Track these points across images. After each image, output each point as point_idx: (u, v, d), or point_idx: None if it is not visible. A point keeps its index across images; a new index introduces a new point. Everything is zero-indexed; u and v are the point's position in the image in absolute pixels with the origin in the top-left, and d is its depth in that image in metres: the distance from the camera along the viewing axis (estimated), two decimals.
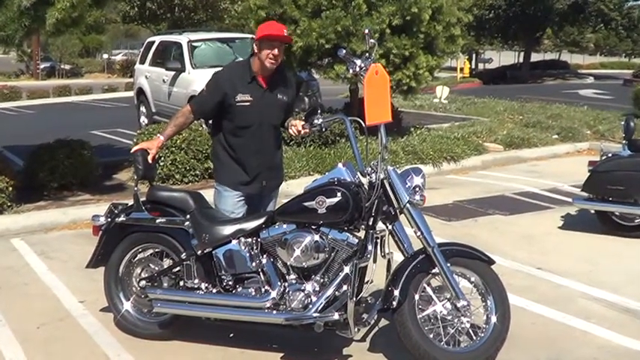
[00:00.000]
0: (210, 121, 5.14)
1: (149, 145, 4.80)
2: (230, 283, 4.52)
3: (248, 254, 4.45)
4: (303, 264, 4.27)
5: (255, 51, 4.74)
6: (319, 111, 4.58)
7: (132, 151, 4.95)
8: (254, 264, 4.44)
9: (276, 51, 4.65)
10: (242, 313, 4.44)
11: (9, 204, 7.91)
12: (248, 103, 4.73)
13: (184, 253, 4.58)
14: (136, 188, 4.87)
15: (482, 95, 21.05)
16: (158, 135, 4.92)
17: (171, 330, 4.76)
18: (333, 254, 4.26)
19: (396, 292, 4.11)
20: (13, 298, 5.65)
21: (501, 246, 6.89)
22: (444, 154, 11.13)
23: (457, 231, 7.42)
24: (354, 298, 4.12)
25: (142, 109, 15.43)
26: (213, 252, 4.53)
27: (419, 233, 4.24)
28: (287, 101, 4.94)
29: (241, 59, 5.56)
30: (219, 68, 5.08)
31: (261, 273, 4.44)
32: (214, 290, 4.53)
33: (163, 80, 14.03)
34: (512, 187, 9.77)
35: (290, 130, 4.83)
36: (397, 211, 4.30)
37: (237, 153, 4.85)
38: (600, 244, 7.11)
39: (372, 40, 4.41)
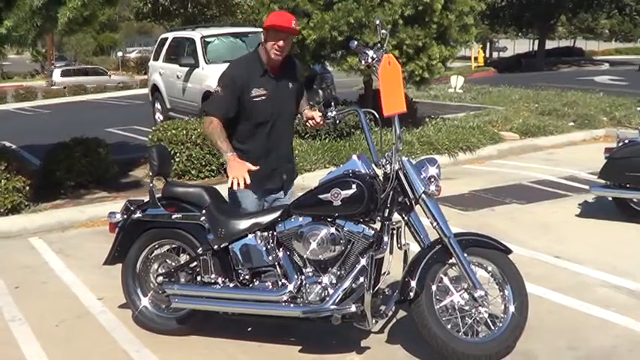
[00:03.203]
0: None
1: (242, 169, 4.46)
2: (247, 277, 4.52)
3: (264, 248, 4.45)
4: (320, 257, 4.27)
5: (262, 40, 4.65)
6: (333, 103, 4.56)
7: (228, 187, 4.57)
8: (270, 257, 4.44)
9: (281, 42, 4.52)
10: (259, 306, 4.45)
11: (26, 203, 7.98)
12: (264, 97, 4.60)
13: (201, 248, 4.59)
14: (151, 184, 4.88)
15: (497, 84, 20.91)
16: (229, 155, 4.53)
17: (189, 325, 4.77)
18: (349, 246, 4.25)
19: (413, 283, 4.10)
20: (32, 296, 5.69)
21: (518, 235, 6.85)
22: (459, 143, 11.08)
23: (474, 221, 7.38)
24: (371, 290, 4.11)
25: (157, 105, 15.51)
26: (230, 246, 4.53)
27: (435, 223, 4.22)
28: (296, 88, 4.86)
29: (247, 52, 5.26)
30: None
31: (277, 266, 4.43)
32: (231, 284, 4.54)
33: (177, 76, 14.07)
34: (528, 176, 9.71)
35: (306, 124, 4.82)
36: (412, 201, 4.27)
37: (255, 154, 4.66)
38: (618, 231, 7.05)
39: (383, 31, 4.36)
